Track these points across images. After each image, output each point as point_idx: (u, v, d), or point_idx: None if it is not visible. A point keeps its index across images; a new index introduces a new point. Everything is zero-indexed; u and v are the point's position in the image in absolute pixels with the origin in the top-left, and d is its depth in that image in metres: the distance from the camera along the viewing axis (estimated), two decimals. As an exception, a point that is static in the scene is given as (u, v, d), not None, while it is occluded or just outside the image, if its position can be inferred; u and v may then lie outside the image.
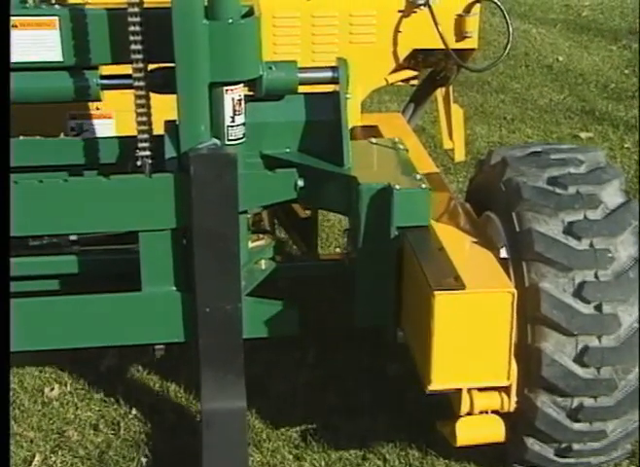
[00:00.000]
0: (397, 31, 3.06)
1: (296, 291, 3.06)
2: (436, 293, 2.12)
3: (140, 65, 2.31)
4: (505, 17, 3.09)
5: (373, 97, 5.42)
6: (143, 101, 2.35)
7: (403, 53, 3.12)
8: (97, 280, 2.65)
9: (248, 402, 2.72)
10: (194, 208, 2.32)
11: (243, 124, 2.40)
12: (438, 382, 2.19)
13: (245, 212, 2.52)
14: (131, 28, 2.28)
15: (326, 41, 2.99)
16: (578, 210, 2.31)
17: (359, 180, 2.42)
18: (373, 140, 2.76)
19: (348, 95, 2.54)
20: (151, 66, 2.38)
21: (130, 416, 2.93)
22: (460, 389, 2.26)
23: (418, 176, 2.47)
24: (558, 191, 2.35)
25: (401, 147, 2.69)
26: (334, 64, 2.52)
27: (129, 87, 2.37)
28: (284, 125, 2.54)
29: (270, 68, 2.42)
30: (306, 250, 3.10)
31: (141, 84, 2.33)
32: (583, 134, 5.22)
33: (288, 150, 2.55)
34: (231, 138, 2.39)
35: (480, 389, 2.29)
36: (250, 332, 2.52)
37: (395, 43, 3.08)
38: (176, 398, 2.99)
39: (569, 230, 2.28)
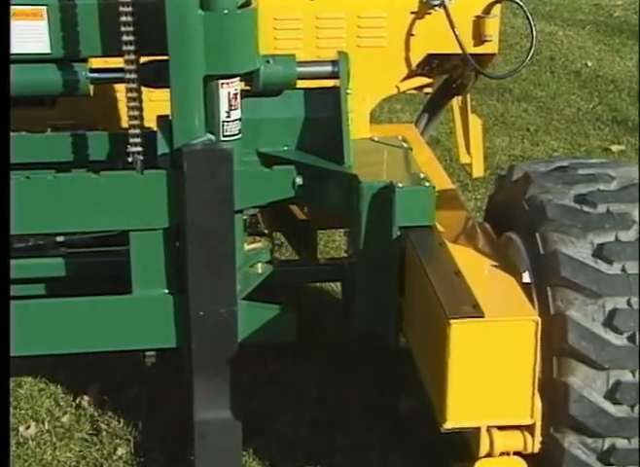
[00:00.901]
0: (409, 34, 3.09)
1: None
2: (452, 321, 2.13)
3: (132, 57, 2.37)
4: (528, 18, 3.11)
5: (383, 107, 5.46)
6: (135, 95, 2.41)
7: (416, 59, 3.14)
8: (85, 284, 2.71)
9: (245, 442, 2.74)
10: (187, 206, 2.39)
11: (239, 119, 2.47)
12: (454, 420, 2.20)
13: (241, 212, 2.58)
14: (123, 19, 2.34)
15: (331, 45, 3.00)
16: (608, 231, 2.32)
17: (360, 178, 2.49)
18: (376, 138, 2.85)
19: (349, 91, 2.62)
20: (143, 61, 2.45)
21: (115, 458, 2.93)
22: (479, 428, 2.27)
23: (422, 174, 2.55)
24: (587, 209, 2.36)
25: (404, 145, 2.78)
26: (334, 58, 2.60)
27: (120, 80, 2.43)
28: (282, 122, 2.62)
29: (268, 62, 2.51)
30: (304, 254, 3.16)
31: (133, 76, 2.39)
32: (614, 147, 5.25)
33: (286, 148, 2.63)
34: (226, 134, 2.45)
35: (501, 428, 2.29)
36: (245, 337, 2.58)
37: (407, 47, 3.10)
38: (165, 436, 3.00)
39: (599, 252, 2.29)
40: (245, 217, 2.69)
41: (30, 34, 2.43)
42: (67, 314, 2.58)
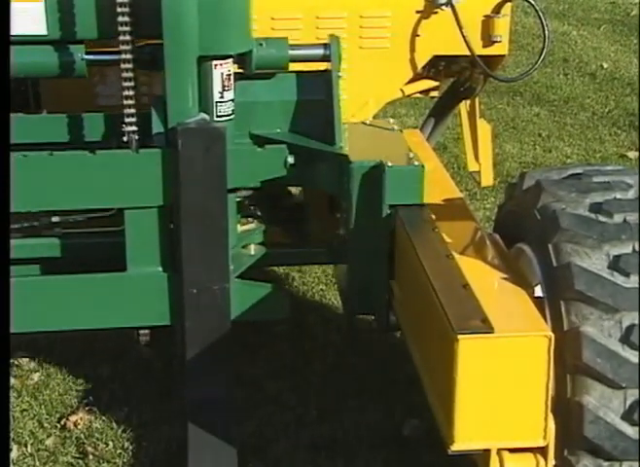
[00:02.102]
0: (415, 35, 3.12)
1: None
2: (460, 337, 2.14)
3: (127, 38, 2.53)
4: (540, 17, 3.13)
5: (387, 111, 5.48)
6: (130, 75, 2.57)
7: (421, 61, 3.17)
8: (80, 264, 2.83)
9: (240, 466, 2.75)
10: (181, 184, 2.56)
11: (232, 100, 2.66)
12: (462, 442, 2.20)
13: (234, 191, 2.76)
14: (119, 0, 2.48)
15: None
16: (625, 242, 2.33)
17: (350, 158, 2.68)
18: (367, 121, 3.05)
19: (341, 74, 2.82)
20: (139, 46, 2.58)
21: (102, 482, 2.95)
22: (488, 450, 2.27)
23: (412, 154, 2.74)
24: (602, 219, 2.37)
25: (395, 127, 3.01)
26: (325, 41, 2.78)
27: (116, 62, 2.59)
28: (275, 105, 2.82)
29: (261, 45, 2.70)
30: (297, 237, 3.25)
31: (128, 57, 2.55)
32: (631, 154, 5.27)
33: (279, 130, 2.83)
34: (219, 114, 2.65)
35: (512, 450, 2.29)
36: (238, 315, 2.75)
37: (412, 49, 3.13)
38: (155, 459, 3.01)
39: (615, 264, 2.30)
40: (239, 199, 2.86)
41: (27, 16, 2.58)
42: (62, 292, 2.74)
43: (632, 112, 5.83)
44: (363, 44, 3.10)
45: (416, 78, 3.25)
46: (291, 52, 2.74)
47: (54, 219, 2.86)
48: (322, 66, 2.81)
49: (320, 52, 2.78)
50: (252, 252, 2.92)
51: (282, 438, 3.07)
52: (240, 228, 2.93)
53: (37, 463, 3.01)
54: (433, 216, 2.62)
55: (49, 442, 3.09)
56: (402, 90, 3.24)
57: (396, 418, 3.15)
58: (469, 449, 2.25)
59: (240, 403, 3.10)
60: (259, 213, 3.02)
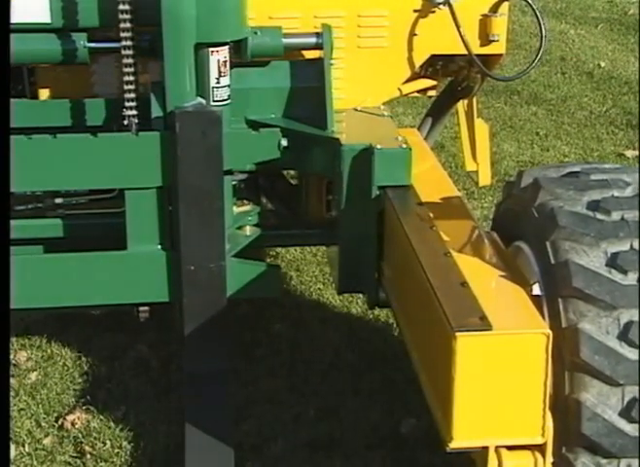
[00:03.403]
0: (412, 34, 3.12)
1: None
2: (458, 334, 2.15)
3: (127, 25, 2.67)
4: (537, 16, 3.14)
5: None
6: (130, 61, 2.71)
7: (419, 60, 3.17)
8: (83, 243, 2.93)
9: (238, 466, 2.76)
10: (179, 166, 2.70)
11: (228, 85, 2.80)
12: (460, 439, 2.21)
13: (230, 173, 2.91)
14: None
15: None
16: (623, 239, 2.34)
17: (341, 142, 2.81)
18: (358, 107, 3.15)
19: (333, 62, 2.95)
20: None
21: (100, 481, 2.96)
22: (486, 448, 2.28)
23: (400, 138, 2.87)
24: (600, 217, 2.38)
25: (385, 113, 3.13)
26: (318, 30, 2.91)
27: (117, 50, 2.72)
28: (269, 92, 2.96)
29: (256, 33, 2.83)
30: (293, 218, 3.34)
31: (128, 43, 2.69)
32: (628, 152, 5.28)
33: (273, 116, 2.96)
34: (216, 99, 2.79)
35: (510, 448, 2.30)
36: (234, 292, 2.89)
37: (410, 48, 3.14)
38: (153, 459, 3.02)
39: (613, 262, 2.31)
40: (234, 182, 3.00)
41: (32, 4, 2.70)
42: (62, 269, 2.85)
43: (630, 111, 5.84)
44: (360, 43, 3.10)
45: (414, 77, 3.26)
46: (284, 40, 2.87)
47: (58, 200, 2.98)
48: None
49: (313, 40, 2.91)
50: (247, 233, 3.04)
51: (280, 437, 3.08)
52: (236, 209, 3.06)
53: (35, 462, 3.01)
54: (424, 204, 2.71)
55: (46, 441, 3.09)
56: (399, 90, 3.25)
57: (394, 417, 3.16)
58: (467, 447, 2.27)
59: (238, 402, 3.11)
60: (254, 196, 3.13)
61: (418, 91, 3.40)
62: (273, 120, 2.95)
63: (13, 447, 3.07)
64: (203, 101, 2.76)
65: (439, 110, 3.61)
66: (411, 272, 2.46)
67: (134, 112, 2.76)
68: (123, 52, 2.70)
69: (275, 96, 2.96)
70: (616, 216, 2.38)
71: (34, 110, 3.00)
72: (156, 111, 2.77)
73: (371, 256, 2.84)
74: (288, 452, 3.03)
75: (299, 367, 3.42)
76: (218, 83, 2.77)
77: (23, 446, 3.08)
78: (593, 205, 2.41)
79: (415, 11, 3.10)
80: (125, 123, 2.76)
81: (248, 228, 3.06)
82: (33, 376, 3.40)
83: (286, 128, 2.89)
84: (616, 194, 2.45)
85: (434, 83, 3.39)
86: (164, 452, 3.01)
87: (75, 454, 3.05)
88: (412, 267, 2.45)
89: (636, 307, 2.28)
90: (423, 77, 3.33)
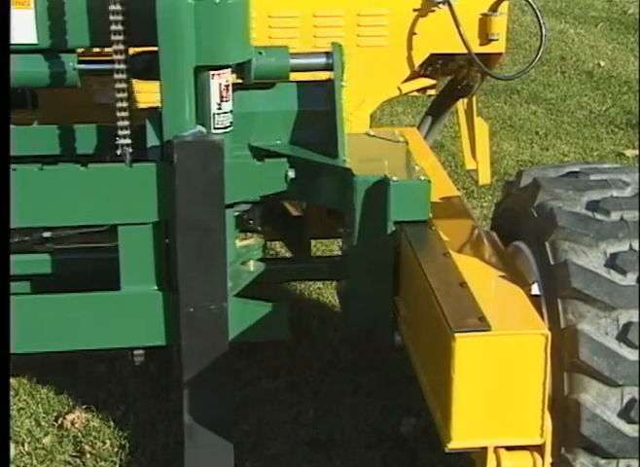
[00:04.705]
0: (412, 33, 3.12)
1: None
2: (457, 335, 2.14)
3: (120, 47, 2.45)
4: (537, 15, 3.14)
5: (384, 109, 5.50)
6: (123, 86, 2.49)
7: (419, 59, 3.17)
8: (73, 281, 2.76)
9: (238, 465, 2.75)
10: (177, 199, 2.48)
11: (230, 111, 2.57)
12: (459, 440, 2.21)
13: (232, 206, 2.68)
14: (112, 7, 2.41)
15: (329, 44, 3.04)
16: (622, 240, 2.34)
17: (354, 172, 2.60)
18: (371, 132, 2.98)
19: (344, 83, 2.72)
20: (133, 53, 2.52)
21: (99, 481, 2.95)
22: (485, 448, 2.28)
23: (417, 168, 2.68)
24: (599, 217, 2.38)
25: (400, 139, 2.92)
26: (328, 49, 2.70)
27: (109, 72, 2.51)
28: (275, 116, 2.74)
29: (260, 53, 2.61)
30: (298, 251, 3.23)
31: (121, 67, 2.47)
32: (628, 152, 5.28)
33: (279, 141, 2.75)
34: (217, 126, 2.56)
35: (509, 448, 2.30)
36: (237, 335, 2.67)
37: (409, 47, 3.13)
38: (153, 458, 3.01)
39: (612, 262, 2.31)
40: (237, 214, 2.78)
41: (17, 24, 2.49)
42: (55, 311, 2.65)
43: (629, 110, 5.84)
44: (360, 42, 3.10)
45: (414, 76, 3.26)
46: (292, 60, 2.67)
47: (46, 234, 2.77)
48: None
49: (322, 61, 2.72)
50: (251, 268, 2.84)
51: (280, 436, 3.08)
52: (239, 243, 2.84)
53: (34, 462, 3.01)
54: (440, 232, 2.56)
55: (46, 440, 3.09)
56: (399, 89, 3.24)
57: (394, 417, 3.15)
58: (466, 448, 2.27)
59: (238, 401, 3.11)
60: (258, 228, 2.92)
61: (418, 90, 3.40)
62: (279, 146, 2.74)
63: (12, 446, 3.07)
64: (204, 129, 2.53)
65: (438, 109, 3.61)
66: (418, 289, 2.39)
67: (128, 141, 2.52)
68: (115, 75, 2.46)
69: (281, 121, 2.74)
70: (615, 216, 2.38)
71: (20, 137, 2.73)
72: (152, 140, 2.54)
73: (385, 295, 2.65)
74: (287, 452, 3.02)
75: (298, 367, 3.41)
76: (219, 109, 2.54)
77: (23, 445, 3.07)
78: (593, 205, 2.41)
79: (415, 10, 3.10)
80: (119, 152, 2.53)
81: (252, 262, 2.84)
82: (33, 375, 3.39)
83: (293, 157, 2.68)
84: (615, 194, 2.45)
85: (433, 82, 3.39)
86: (164, 451, 3.01)
87: (75, 454, 3.05)
88: (421, 287, 2.38)
89: (635, 308, 2.27)
90: (423, 76, 3.33)
